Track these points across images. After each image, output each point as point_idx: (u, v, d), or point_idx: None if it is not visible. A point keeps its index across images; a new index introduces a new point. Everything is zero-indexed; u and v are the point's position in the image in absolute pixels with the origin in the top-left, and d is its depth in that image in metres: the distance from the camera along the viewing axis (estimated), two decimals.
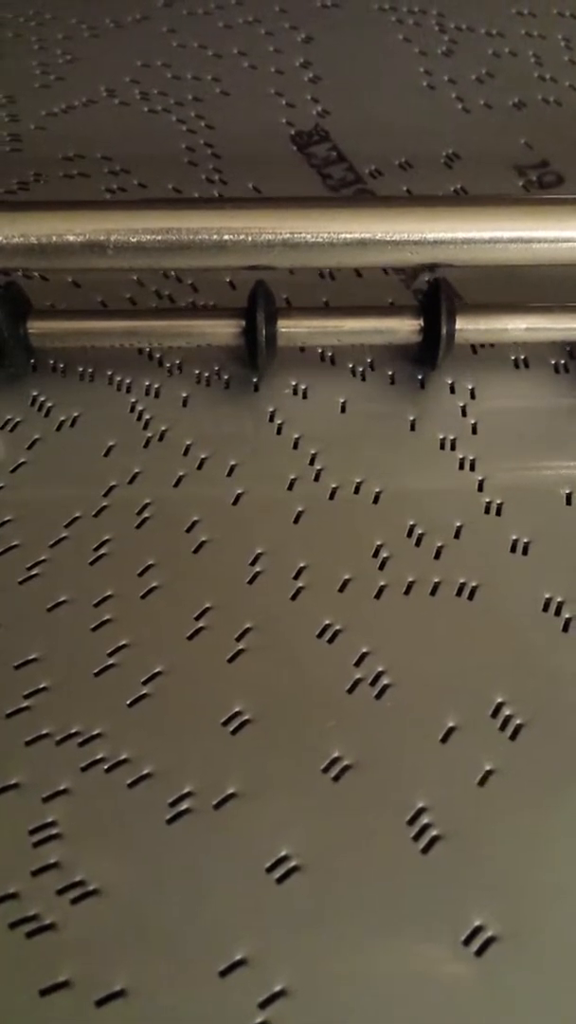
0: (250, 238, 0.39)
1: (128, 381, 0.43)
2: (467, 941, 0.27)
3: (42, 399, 0.42)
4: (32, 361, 0.43)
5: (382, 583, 0.35)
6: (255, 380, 0.42)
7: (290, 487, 0.39)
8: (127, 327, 0.42)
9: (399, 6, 0.62)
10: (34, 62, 0.59)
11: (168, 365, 0.43)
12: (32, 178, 0.51)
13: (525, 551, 0.36)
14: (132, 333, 0.42)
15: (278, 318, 0.41)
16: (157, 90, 0.57)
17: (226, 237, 0.39)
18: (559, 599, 0.35)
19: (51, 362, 0.43)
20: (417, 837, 0.29)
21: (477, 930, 0.27)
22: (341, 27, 0.61)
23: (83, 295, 0.45)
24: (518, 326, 0.41)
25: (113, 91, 0.57)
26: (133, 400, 0.42)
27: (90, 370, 0.43)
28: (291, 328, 0.41)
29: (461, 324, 0.40)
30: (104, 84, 0.57)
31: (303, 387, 0.42)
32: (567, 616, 0.34)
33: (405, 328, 0.41)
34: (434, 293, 0.40)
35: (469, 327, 0.41)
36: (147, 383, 0.42)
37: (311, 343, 0.43)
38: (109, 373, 0.43)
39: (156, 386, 0.42)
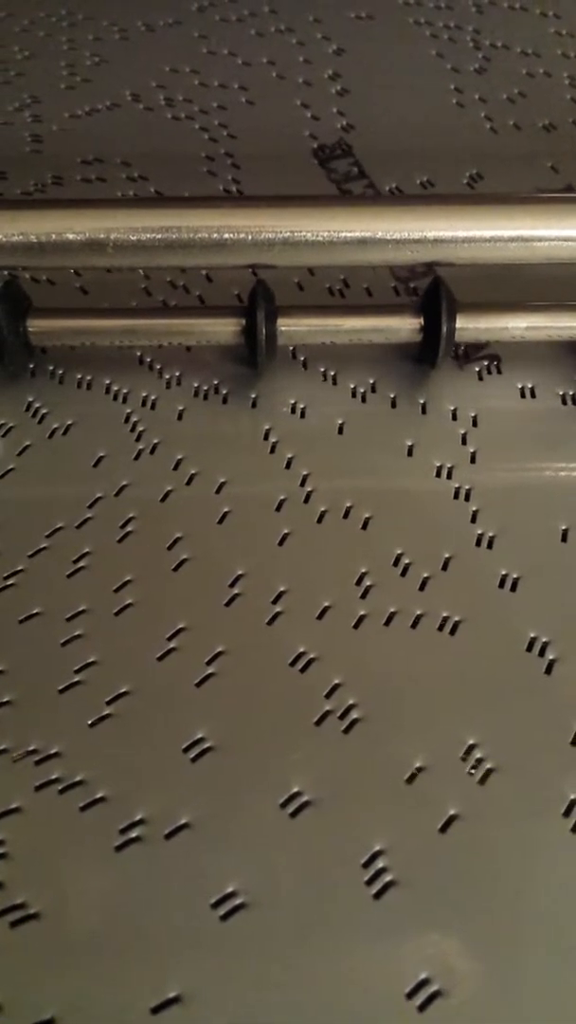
0: (250, 236, 0.38)
1: (125, 391, 0.42)
2: (410, 995, 0.26)
3: (37, 405, 0.42)
4: (32, 366, 0.43)
5: (362, 612, 0.34)
6: (253, 396, 0.41)
7: (278, 508, 0.38)
8: (127, 325, 0.42)
9: (435, 20, 0.61)
10: (62, 63, 0.59)
11: (167, 377, 0.42)
12: (50, 180, 0.51)
13: (514, 587, 0.35)
14: (132, 332, 0.42)
15: (278, 317, 0.40)
16: (182, 96, 0.56)
17: (226, 235, 0.38)
18: (544, 639, 0.33)
19: (50, 368, 0.43)
20: (371, 881, 0.28)
21: (421, 984, 0.26)
22: (374, 39, 0.60)
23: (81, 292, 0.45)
24: (518, 325, 0.41)
25: (138, 95, 0.56)
26: (128, 411, 0.41)
27: (88, 378, 0.42)
28: (291, 327, 0.41)
29: (461, 323, 0.40)
30: (130, 88, 0.57)
31: (302, 406, 0.41)
32: (551, 657, 0.33)
33: (405, 327, 0.41)
34: (434, 292, 0.40)
35: (469, 326, 0.40)
36: (144, 394, 0.42)
37: (311, 341, 0.42)
38: (107, 382, 0.42)
39: (153, 397, 0.42)
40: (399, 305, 0.43)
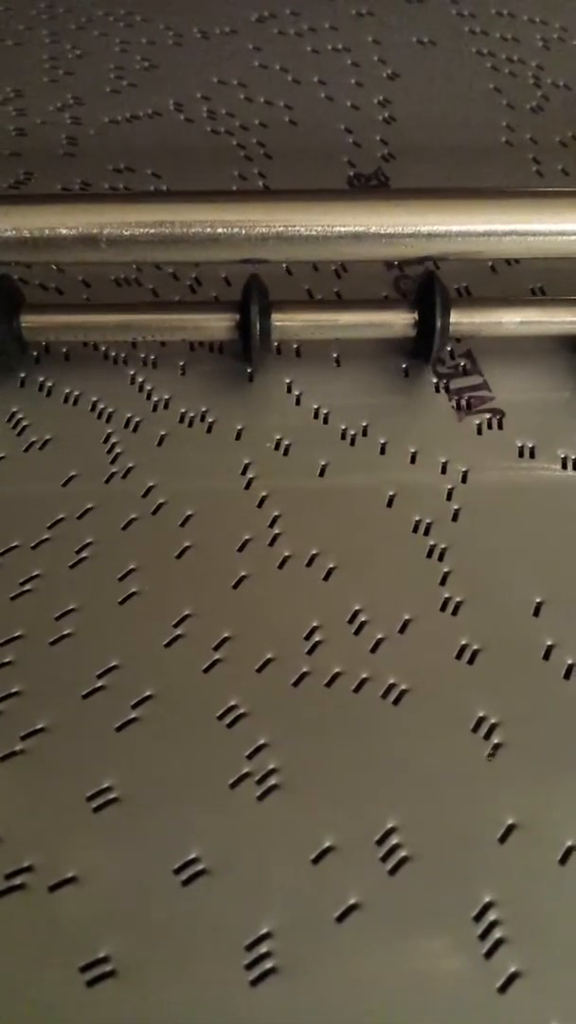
0: (243, 231, 0.38)
1: (111, 410, 0.41)
2: None
3: (20, 416, 0.41)
4: (23, 375, 0.42)
5: (305, 669, 0.33)
6: (239, 428, 0.40)
7: (241, 548, 0.36)
8: (120, 321, 0.41)
9: (498, 52, 0.59)
10: (111, 65, 0.58)
11: (156, 399, 0.41)
12: (78, 186, 0.50)
13: (472, 660, 0.33)
14: (125, 327, 0.41)
15: (272, 312, 0.40)
16: (225, 110, 0.55)
17: (219, 230, 0.38)
18: (493, 720, 0.31)
19: (40, 379, 0.42)
20: (251, 966, 0.26)
21: None
22: (432, 67, 0.58)
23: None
24: (512, 319, 0.40)
25: (181, 105, 0.55)
26: (110, 431, 0.40)
27: (76, 393, 0.42)
28: (285, 322, 0.40)
29: (455, 318, 0.39)
30: (174, 97, 0.56)
31: (286, 443, 0.39)
32: (496, 741, 0.31)
33: (400, 322, 0.40)
34: (428, 286, 0.39)
35: (463, 320, 0.40)
36: (129, 415, 0.41)
37: (305, 337, 0.42)
38: (94, 400, 0.41)
39: (137, 420, 0.41)
40: (393, 300, 0.43)
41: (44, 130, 0.53)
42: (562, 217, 0.38)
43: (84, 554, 0.36)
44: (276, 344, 0.42)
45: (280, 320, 0.40)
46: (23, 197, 0.45)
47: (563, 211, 0.38)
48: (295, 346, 0.43)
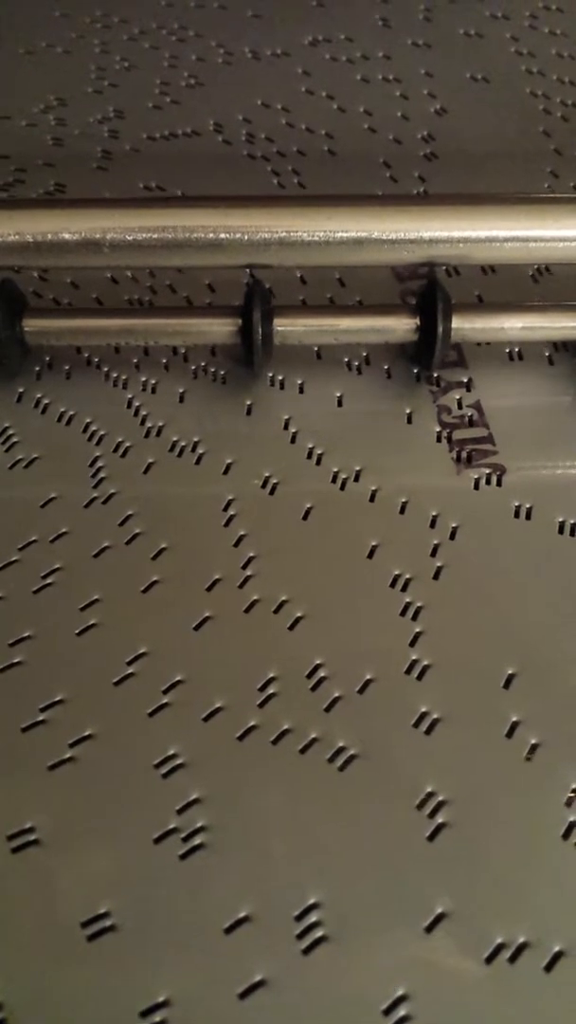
0: (246, 236, 0.38)
1: (102, 433, 0.40)
2: None
3: (11, 432, 0.41)
4: (21, 391, 0.41)
5: (253, 723, 0.32)
6: (229, 462, 0.39)
7: (210, 587, 0.35)
8: (123, 325, 0.41)
9: (553, 95, 0.57)
10: (157, 80, 0.58)
11: (149, 425, 0.40)
12: None
13: (430, 730, 0.32)
14: (128, 331, 0.41)
15: (274, 316, 0.40)
16: (265, 134, 0.54)
17: (222, 235, 0.38)
18: (441, 798, 0.30)
19: (37, 396, 0.41)
20: None
21: None
22: (482, 104, 0.57)
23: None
24: (514, 325, 0.40)
25: (221, 126, 0.54)
26: (98, 454, 0.40)
27: (71, 413, 0.41)
28: (287, 327, 0.40)
29: (457, 323, 0.39)
30: (215, 117, 0.55)
31: (275, 481, 0.38)
32: (440, 821, 0.29)
33: (401, 327, 0.40)
34: (430, 292, 0.39)
35: (465, 326, 0.40)
36: (120, 439, 0.40)
37: (307, 341, 0.42)
38: (87, 421, 0.41)
39: (127, 445, 0.40)
40: (395, 305, 0.42)
41: (80, 141, 0.53)
42: (564, 223, 0.38)
43: (49, 580, 0.35)
44: (279, 374, 0.42)
45: (282, 325, 0.40)
46: (26, 201, 0.45)
47: (564, 217, 0.38)
48: (299, 382, 0.42)
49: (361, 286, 0.45)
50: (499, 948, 0.27)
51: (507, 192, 0.41)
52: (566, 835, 0.29)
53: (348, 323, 0.41)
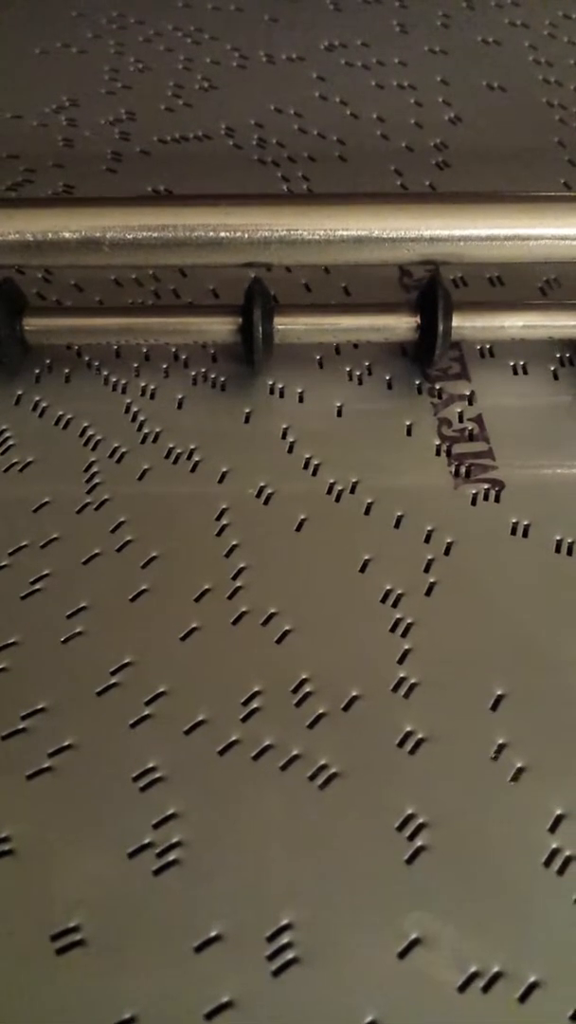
0: (247, 235, 0.38)
1: (99, 438, 0.40)
2: None
3: (8, 435, 0.41)
4: (19, 393, 0.41)
5: (235, 737, 0.31)
6: (224, 470, 0.39)
7: (199, 597, 0.35)
8: (123, 324, 0.41)
9: (570, 105, 0.56)
10: (171, 82, 0.58)
11: (147, 431, 0.40)
12: None
13: (414, 750, 0.31)
14: (128, 330, 0.41)
15: (275, 315, 0.40)
16: (276, 139, 0.54)
17: (223, 234, 0.38)
18: (422, 820, 0.29)
19: (36, 399, 0.41)
20: None
21: None
22: (497, 113, 0.56)
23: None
24: (515, 324, 0.40)
25: (233, 131, 0.54)
26: (93, 459, 0.40)
27: (68, 417, 0.41)
28: (288, 325, 0.40)
29: (458, 322, 0.39)
30: (227, 121, 0.55)
31: (269, 491, 0.38)
32: (420, 844, 0.29)
33: (402, 325, 0.40)
34: (431, 290, 0.38)
35: (466, 324, 0.40)
36: (116, 445, 0.40)
37: (308, 340, 0.41)
38: (84, 425, 0.41)
39: (123, 451, 0.40)
40: (395, 304, 0.42)
41: (91, 143, 0.53)
42: (564, 221, 0.38)
43: (38, 585, 0.35)
44: (280, 382, 0.42)
45: (282, 323, 0.40)
46: (26, 200, 0.45)
47: (565, 215, 0.38)
48: (300, 390, 0.41)
49: (368, 296, 0.44)
50: (473, 976, 0.26)
51: (507, 191, 0.40)
52: (548, 862, 0.28)
53: (348, 321, 0.41)
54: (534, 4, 0.62)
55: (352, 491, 0.38)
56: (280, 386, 0.41)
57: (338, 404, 0.41)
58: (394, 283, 0.45)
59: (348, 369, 0.42)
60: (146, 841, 0.29)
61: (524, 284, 0.45)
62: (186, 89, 0.57)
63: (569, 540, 0.37)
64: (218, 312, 0.41)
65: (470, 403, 0.41)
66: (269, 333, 0.40)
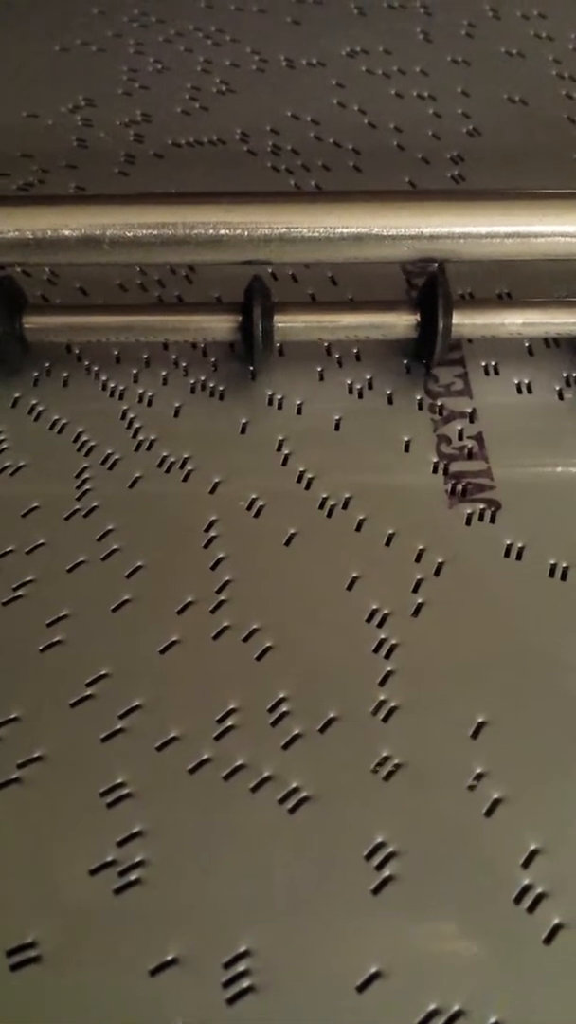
0: (246, 233, 0.38)
1: (93, 444, 0.40)
2: None
3: (2, 437, 0.40)
4: (17, 396, 0.41)
5: (207, 756, 0.31)
6: (217, 481, 0.38)
7: (182, 610, 0.34)
8: (123, 322, 0.41)
9: None
10: (188, 84, 0.57)
11: (141, 439, 0.40)
12: None
13: (389, 776, 0.31)
14: (128, 328, 0.41)
15: (275, 313, 0.39)
16: (291, 146, 0.53)
17: (222, 232, 0.38)
18: (391, 849, 0.29)
19: (32, 403, 0.41)
20: None
21: None
22: (516, 126, 0.55)
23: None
24: (515, 321, 0.40)
25: (248, 136, 0.54)
26: (85, 465, 0.39)
27: (64, 421, 0.41)
28: (288, 323, 0.40)
29: (458, 319, 0.39)
30: (243, 125, 0.54)
31: (261, 503, 0.38)
32: (387, 874, 0.28)
33: (402, 323, 0.40)
34: (431, 287, 0.38)
35: (466, 322, 0.39)
36: (109, 451, 0.40)
37: (308, 338, 0.41)
38: (79, 430, 0.40)
39: (116, 457, 0.40)
40: (395, 301, 0.42)
41: (104, 144, 0.53)
42: (564, 219, 0.38)
43: (20, 592, 0.35)
44: (279, 393, 0.42)
45: (282, 321, 0.40)
46: (26, 198, 0.46)
47: (565, 212, 0.38)
48: (298, 402, 0.41)
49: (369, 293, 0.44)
50: (432, 1014, 0.26)
51: (507, 188, 0.40)
52: (518, 899, 0.28)
53: (349, 319, 0.40)
54: (561, 16, 0.61)
55: (344, 507, 0.38)
56: (279, 396, 0.41)
57: (337, 417, 0.41)
58: (394, 281, 0.45)
59: (349, 382, 0.42)
60: (109, 859, 0.28)
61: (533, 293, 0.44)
62: (203, 92, 0.56)
63: (564, 564, 0.36)
64: (218, 310, 0.41)
65: (471, 420, 0.40)
66: (269, 331, 0.39)
